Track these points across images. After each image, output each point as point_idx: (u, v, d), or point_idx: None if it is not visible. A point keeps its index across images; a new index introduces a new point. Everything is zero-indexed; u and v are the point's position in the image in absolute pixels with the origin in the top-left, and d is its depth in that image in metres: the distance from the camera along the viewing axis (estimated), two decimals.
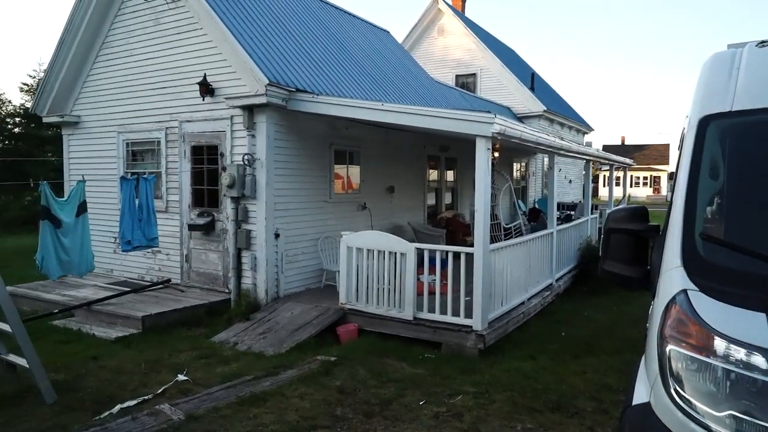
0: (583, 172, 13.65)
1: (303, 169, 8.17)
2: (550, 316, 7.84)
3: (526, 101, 19.02)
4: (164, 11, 8.42)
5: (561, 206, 16.82)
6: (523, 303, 7.29)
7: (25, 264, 9.60)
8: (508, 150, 14.74)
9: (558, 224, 9.22)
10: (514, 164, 17.38)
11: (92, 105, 9.60)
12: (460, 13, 21.75)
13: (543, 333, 6.99)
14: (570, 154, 9.35)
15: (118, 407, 4.53)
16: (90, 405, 4.61)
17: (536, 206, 17.54)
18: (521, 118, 18.78)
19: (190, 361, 5.73)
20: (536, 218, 14.81)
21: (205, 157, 8.17)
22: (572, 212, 15.41)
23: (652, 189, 49.47)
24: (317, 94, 7.71)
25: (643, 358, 2.46)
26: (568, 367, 5.73)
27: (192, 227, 8.17)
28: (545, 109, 18.81)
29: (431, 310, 6.27)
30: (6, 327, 4.67)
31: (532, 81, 19.62)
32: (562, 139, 9.72)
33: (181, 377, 5.23)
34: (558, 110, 20.68)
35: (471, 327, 6.01)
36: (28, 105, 26.11)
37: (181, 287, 8.29)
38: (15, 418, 4.36)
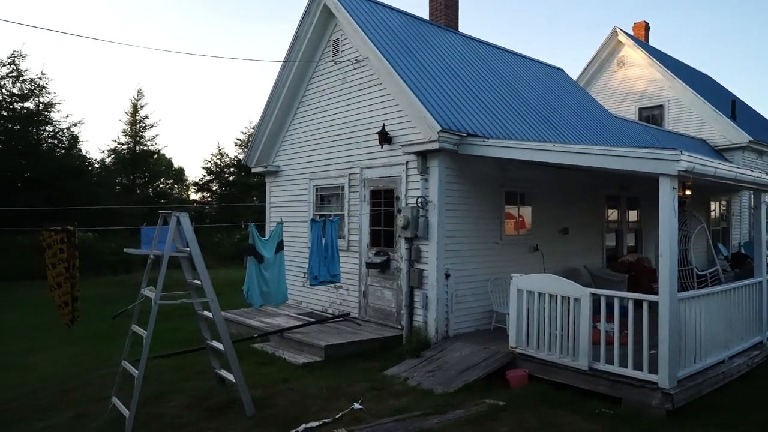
0: None
1: (473, 210, 8.33)
2: (759, 380, 6.71)
3: (725, 132, 16.90)
4: (350, 71, 9.44)
5: None
6: (722, 362, 6.39)
7: (233, 293, 11.18)
8: (703, 188, 13.19)
9: None
10: (712, 203, 15.42)
11: (289, 156, 11.02)
12: (643, 43, 20.36)
13: (748, 399, 6.01)
14: None
15: (302, 427, 5.02)
16: (280, 421, 5.19)
17: (741, 251, 15.26)
18: (720, 151, 16.72)
19: (365, 392, 6.11)
20: (741, 264, 12.87)
21: (382, 200, 8.80)
22: None
23: None
24: (487, 138, 7.89)
25: None
26: None
27: (369, 265, 8.78)
28: (751, 139, 16.47)
29: (609, 361, 5.84)
30: (219, 346, 5.54)
31: (733, 109, 17.40)
32: None
33: (356, 406, 5.61)
34: None
35: (656, 384, 5.45)
36: (240, 157, 30.72)
37: (358, 321, 8.90)
38: (224, 425, 5.10)
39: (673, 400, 5.34)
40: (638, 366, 5.60)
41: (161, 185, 33.71)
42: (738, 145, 16.58)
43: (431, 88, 8.56)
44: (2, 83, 23.74)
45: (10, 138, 23.43)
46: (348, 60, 9.46)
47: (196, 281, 5.57)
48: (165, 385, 6.21)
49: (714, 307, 6.31)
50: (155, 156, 31.88)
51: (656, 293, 5.59)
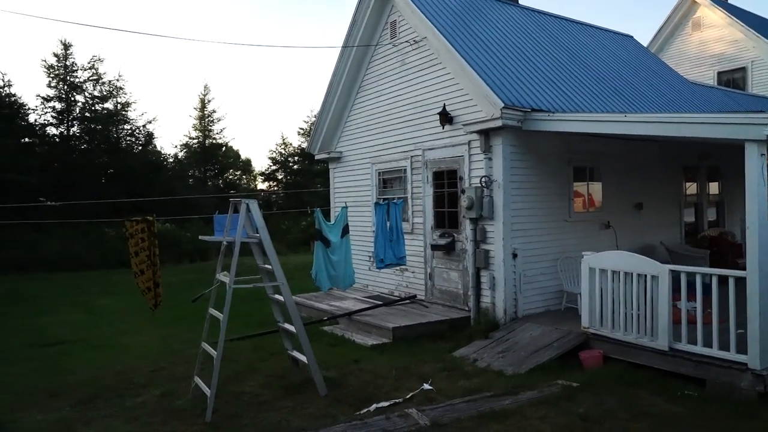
0: None
1: (540, 188, 8.09)
2: None
3: None
4: (408, 53, 9.36)
5: None
6: None
7: (303, 277, 11.49)
8: None
9: None
10: None
11: (351, 141, 11.12)
12: (721, 1, 18.86)
13: None
14: None
15: (374, 406, 5.12)
16: (352, 401, 5.32)
17: None
18: None
19: (434, 373, 6.13)
20: None
21: (445, 182, 8.72)
22: None
23: None
24: (552, 112, 7.61)
25: None
26: None
27: (434, 247, 8.76)
28: None
29: (691, 341, 5.54)
30: (291, 328, 5.72)
31: None
32: None
33: (426, 386, 5.65)
34: None
35: (746, 364, 5.12)
36: (303, 146, 31.39)
37: (425, 303, 8.92)
38: (300, 403, 5.29)
39: (765, 382, 5.01)
40: (724, 346, 5.29)
41: (230, 176, 35.04)
42: None
43: (492, 64, 8.34)
44: (85, 86, 25.41)
45: (93, 137, 25.13)
46: (406, 41, 9.37)
47: (267, 266, 5.77)
48: (243, 365, 6.51)
49: None
50: (223, 148, 33.16)
51: (742, 269, 5.23)
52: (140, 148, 27.35)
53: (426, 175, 9.07)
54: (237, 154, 37.11)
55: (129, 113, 26.81)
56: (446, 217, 8.76)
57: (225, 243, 5.74)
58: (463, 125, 8.03)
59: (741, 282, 5.18)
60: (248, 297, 10.32)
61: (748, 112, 5.17)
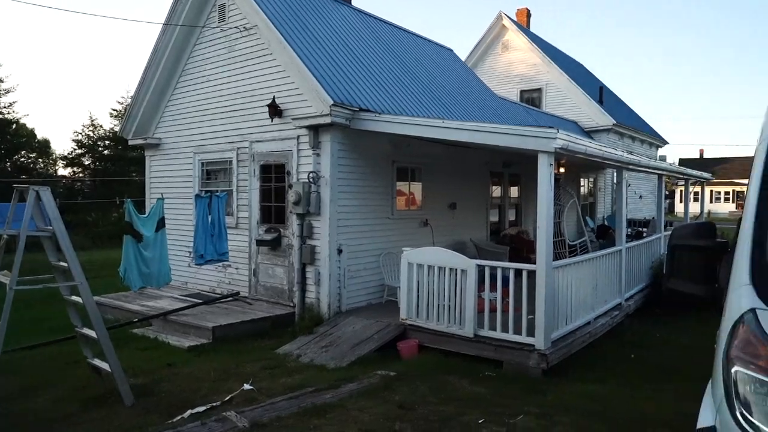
0: (656, 188, 13.06)
1: (366, 186, 8.35)
2: (619, 337, 7.52)
3: (594, 115, 18.49)
4: (237, 39, 8.95)
5: (632, 223, 16.14)
6: (588, 323, 7.05)
7: (113, 275, 10.32)
8: (575, 165, 14.35)
9: (628, 241, 8.87)
10: (582, 180, 16.87)
11: (172, 128, 10.29)
12: (525, 29, 21.53)
13: (611, 355, 6.71)
14: (640, 168, 8.99)
15: (189, 412, 4.78)
16: (165, 408, 4.90)
17: (605, 223, 16.91)
18: (589, 133, 18.26)
19: (256, 372, 5.95)
20: (605, 235, 14.27)
21: (273, 176, 8.53)
22: (644, 229, 14.74)
23: (735, 204, 46.30)
24: (379, 113, 7.91)
25: (710, 380, 2.37)
26: (640, 391, 5.47)
27: (260, 243, 8.52)
28: (614, 122, 18.20)
29: (492, 327, 6.20)
30: (92, 333, 5.08)
31: (601, 94, 19.06)
32: (631, 153, 9.36)
33: (247, 386, 5.45)
34: (629, 123, 19.94)
35: (533, 346, 5.88)
36: (117, 129, 28.26)
37: (248, 300, 8.63)
38: (103, 417, 4.71)
39: (548, 360, 5.80)
40: (518, 331, 6.01)
41: (22, 159, 30.12)
42: (604, 128, 18.24)
43: (324, 60, 8.37)
44: None
45: None
46: (236, 27, 8.95)
47: (62, 263, 5.03)
48: (33, 379, 5.62)
49: (583, 274, 6.91)
50: (13, 126, 28.35)
51: (534, 263, 6.00)
52: None
53: (253, 168, 8.77)
54: (32, 133, 32.02)
55: None
56: (273, 212, 8.58)
57: (5, 237, 4.87)
58: (293, 119, 7.94)
59: (532, 274, 5.93)
60: (40, 300, 8.97)
61: (542, 127, 5.93)
